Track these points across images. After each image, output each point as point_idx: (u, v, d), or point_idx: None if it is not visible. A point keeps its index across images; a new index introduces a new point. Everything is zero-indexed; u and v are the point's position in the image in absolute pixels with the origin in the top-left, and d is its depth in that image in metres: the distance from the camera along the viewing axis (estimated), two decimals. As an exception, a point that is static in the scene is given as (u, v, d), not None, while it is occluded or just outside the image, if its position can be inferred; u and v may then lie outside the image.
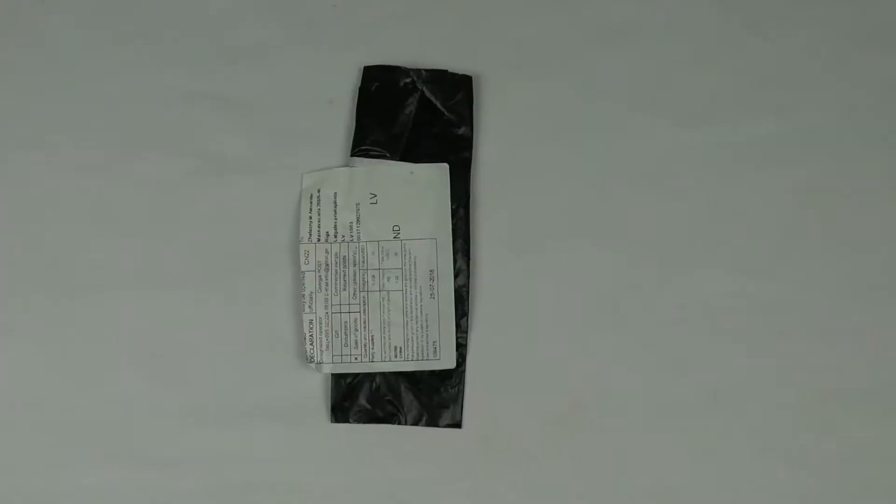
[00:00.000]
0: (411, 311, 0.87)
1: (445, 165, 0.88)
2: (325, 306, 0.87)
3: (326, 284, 0.87)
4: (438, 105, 0.89)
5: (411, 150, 0.89)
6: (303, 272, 0.87)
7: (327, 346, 0.86)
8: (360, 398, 0.86)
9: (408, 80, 0.89)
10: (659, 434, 0.85)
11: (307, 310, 0.87)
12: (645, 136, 0.89)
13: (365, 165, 0.88)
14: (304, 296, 0.87)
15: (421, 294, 0.87)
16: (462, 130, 0.89)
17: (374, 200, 0.88)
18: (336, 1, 0.90)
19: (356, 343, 0.86)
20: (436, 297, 0.87)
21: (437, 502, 0.85)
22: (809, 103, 0.89)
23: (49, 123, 0.88)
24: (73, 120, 0.88)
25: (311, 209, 0.88)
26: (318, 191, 0.88)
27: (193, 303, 0.87)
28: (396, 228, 0.87)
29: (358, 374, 0.86)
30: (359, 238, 0.88)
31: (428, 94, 0.89)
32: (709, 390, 0.86)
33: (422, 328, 0.86)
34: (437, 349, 0.86)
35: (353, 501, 0.85)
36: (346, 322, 0.87)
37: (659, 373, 0.86)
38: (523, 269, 0.87)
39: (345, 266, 0.87)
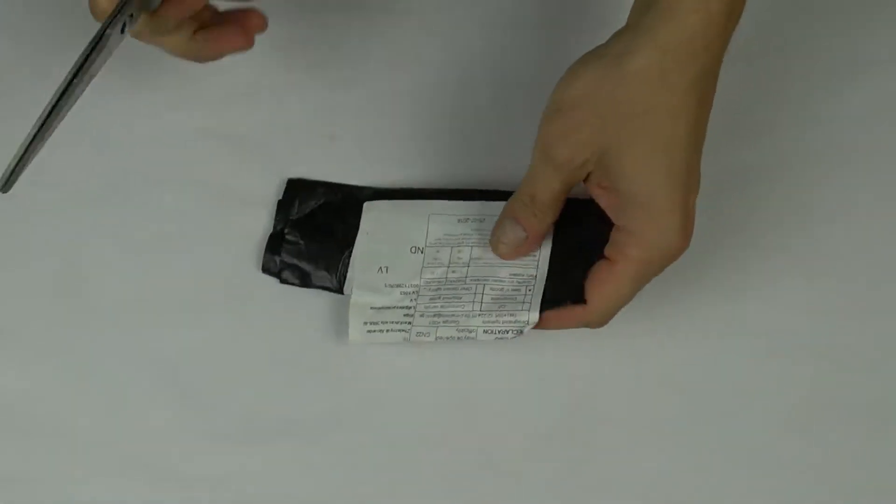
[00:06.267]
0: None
1: None
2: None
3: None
4: None
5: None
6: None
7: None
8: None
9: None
10: (651, 448, 0.84)
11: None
12: None
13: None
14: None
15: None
16: None
17: None
18: None
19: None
20: None
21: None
22: (794, 126, 0.91)
23: (62, 165, 0.90)
24: (86, 160, 0.91)
25: None
26: None
27: (214, 326, 0.87)
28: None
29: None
30: None
31: None
32: (701, 406, 0.85)
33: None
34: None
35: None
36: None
37: (650, 388, 0.85)
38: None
39: None
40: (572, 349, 0.85)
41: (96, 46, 0.74)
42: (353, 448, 0.84)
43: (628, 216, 0.76)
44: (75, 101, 0.74)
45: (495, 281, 0.82)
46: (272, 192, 0.89)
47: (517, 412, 0.84)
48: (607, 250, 0.78)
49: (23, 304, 0.88)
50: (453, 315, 0.81)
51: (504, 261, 0.82)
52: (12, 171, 0.71)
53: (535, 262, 0.82)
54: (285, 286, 0.87)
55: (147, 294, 0.87)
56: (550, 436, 0.84)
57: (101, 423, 0.85)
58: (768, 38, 0.93)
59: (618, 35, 0.76)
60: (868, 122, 0.91)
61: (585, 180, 0.78)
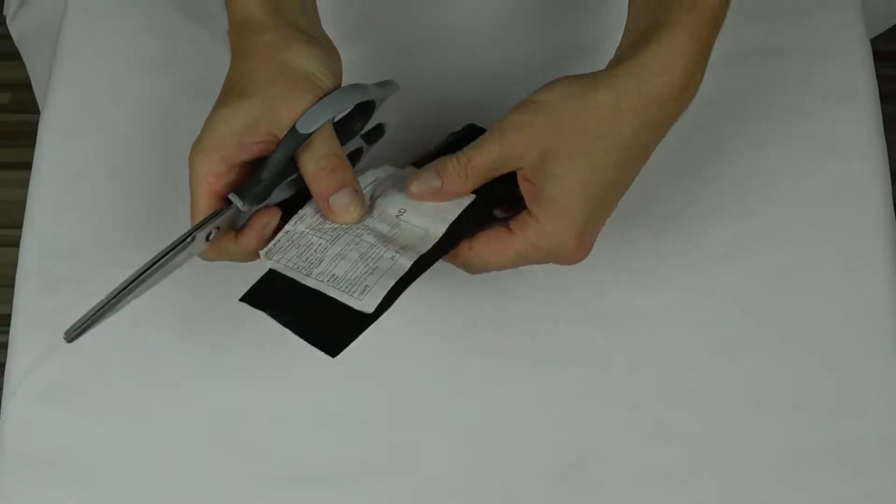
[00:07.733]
0: (368, 261, 0.87)
1: None
2: (308, 226, 0.88)
3: (320, 222, 0.89)
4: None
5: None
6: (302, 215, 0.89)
7: (283, 252, 0.87)
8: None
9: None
10: (649, 496, 0.92)
11: (291, 223, 0.88)
12: (629, 241, 0.97)
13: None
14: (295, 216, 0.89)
15: (384, 255, 0.87)
16: None
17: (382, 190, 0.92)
18: None
19: (307, 259, 0.87)
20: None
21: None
22: (770, 203, 0.99)
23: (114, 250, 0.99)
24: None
25: None
26: None
27: (260, 385, 0.94)
28: (402, 210, 0.90)
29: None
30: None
31: None
32: (694, 454, 0.93)
33: (364, 274, 0.86)
34: (365, 292, 0.86)
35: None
36: (311, 242, 0.88)
37: (649, 439, 0.93)
38: (522, 352, 0.94)
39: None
40: (580, 396, 0.94)
41: (182, 243, 0.85)
42: (384, 494, 0.92)
43: (541, 209, 0.86)
44: (151, 285, 0.84)
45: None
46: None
47: (530, 457, 0.92)
48: (512, 223, 0.88)
49: (92, 362, 0.95)
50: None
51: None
52: (80, 328, 0.82)
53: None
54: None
55: (201, 360, 0.94)
56: (564, 479, 0.92)
57: (161, 472, 0.92)
58: (750, 133, 1.03)
59: (601, 71, 0.87)
60: (831, 200, 1.00)
61: (519, 169, 0.87)
